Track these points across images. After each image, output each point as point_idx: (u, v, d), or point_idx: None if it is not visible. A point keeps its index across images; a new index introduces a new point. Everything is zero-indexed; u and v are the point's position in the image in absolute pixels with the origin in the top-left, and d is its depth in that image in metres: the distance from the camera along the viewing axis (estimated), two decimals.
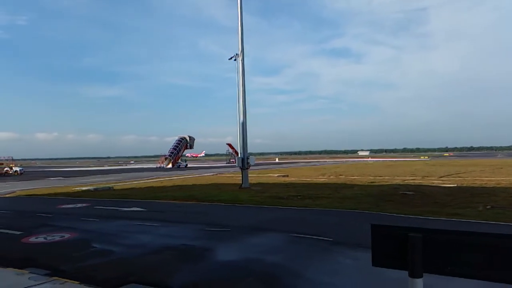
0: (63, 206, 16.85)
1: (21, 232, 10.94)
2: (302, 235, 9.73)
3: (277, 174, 38.04)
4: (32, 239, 10.04)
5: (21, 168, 56.03)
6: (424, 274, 3.17)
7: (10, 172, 53.16)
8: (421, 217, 12.04)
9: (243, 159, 24.23)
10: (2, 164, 56.21)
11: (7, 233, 11.07)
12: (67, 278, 6.55)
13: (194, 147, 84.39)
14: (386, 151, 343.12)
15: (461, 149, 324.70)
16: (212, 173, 44.67)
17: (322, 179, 30.47)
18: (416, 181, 26.02)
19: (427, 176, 30.90)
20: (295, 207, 14.93)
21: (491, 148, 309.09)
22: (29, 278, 6.58)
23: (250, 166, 24.73)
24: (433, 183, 24.41)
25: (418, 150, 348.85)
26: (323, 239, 9.24)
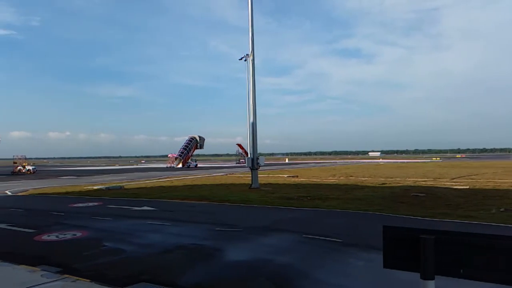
0: (75, 205, 17.03)
1: (33, 230, 11.09)
2: (312, 236, 9.70)
3: (287, 175, 37.98)
4: (45, 237, 10.16)
5: (33, 167, 56.73)
6: (436, 276, 3.14)
7: (23, 170, 53.87)
8: (433, 219, 11.92)
9: (252, 160, 24.24)
10: (16, 162, 57.05)
11: (20, 231, 11.23)
12: (78, 276, 6.62)
13: (204, 147, 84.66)
14: (397, 152, 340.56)
15: (474, 150, 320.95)
16: (222, 173, 44.76)
17: (332, 180, 30.34)
18: (427, 183, 25.76)
19: (439, 178, 30.57)
20: (305, 208, 14.88)
21: (504, 150, 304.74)
22: (41, 275, 6.66)
23: (259, 166, 24.73)
24: (445, 185, 24.14)
25: (429, 151, 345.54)
26: (333, 240, 9.20)
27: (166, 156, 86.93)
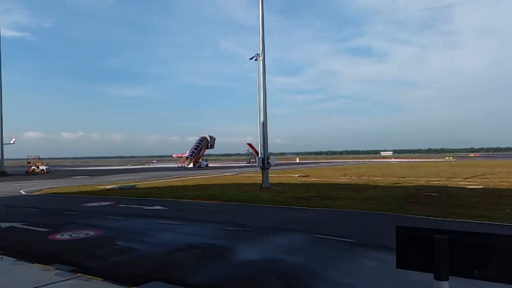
0: (88, 204, 17.21)
1: (47, 229, 11.23)
2: (324, 236, 9.66)
3: (298, 174, 37.90)
4: (58, 236, 10.29)
5: (47, 167, 57.56)
6: (450, 277, 3.10)
7: (37, 170, 54.74)
8: (446, 219, 11.78)
9: (263, 159, 24.23)
10: (30, 162, 57.95)
11: (34, 230, 11.39)
12: (91, 275, 6.68)
13: (214, 146, 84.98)
14: (409, 151, 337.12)
15: (488, 149, 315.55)
16: (232, 173, 44.84)
17: (343, 180, 30.18)
18: (441, 182, 25.47)
19: (452, 177, 30.21)
20: (316, 208, 14.83)
21: None
22: (55, 274, 6.74)
23: (270, 166, 24.71)
24: (459, 184, 23.85)
25: (443, 150, 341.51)
26: (344, 240, 9.15)
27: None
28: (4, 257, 8.18)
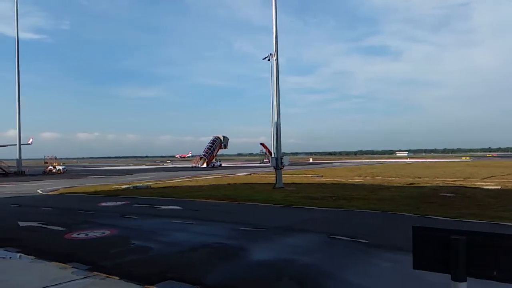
0: (104, 204, 17.42)
1: (64, 228, 11.42)
2: (337, 237, 9.60)
3: (311, 175, 37.75)
4: (75, 235, 10.45)
5: (63, 167, 58.46)
6: (468, 278, 3.05)
7: (54, 170, 55.62)
8: (463, 220, 11.60)
9: (277, 159, 24.20)
10: (47, 163, 58.95)
11: (51, 229, 11.58)
12: (107, 273, 6.76)
13: (228, 147, 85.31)
14: (425, 151, 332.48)
15: (506, 149, 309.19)
16: (245, 173, 44.89)
17: (357, 180, 29.96)
18: (457, 183, 25.09)
19: (469, 178, 29.73)
20: (330, 208, 14.74)
21: None
22: (71, 272, 6.85)
23: (283, 166, 24.66)
24: (475, 184, 23.45)
25: (459, 150, 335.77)
26: (359, 241, 9.07)
27: (191, 156, 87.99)
28: (23, 255, 8.36)
